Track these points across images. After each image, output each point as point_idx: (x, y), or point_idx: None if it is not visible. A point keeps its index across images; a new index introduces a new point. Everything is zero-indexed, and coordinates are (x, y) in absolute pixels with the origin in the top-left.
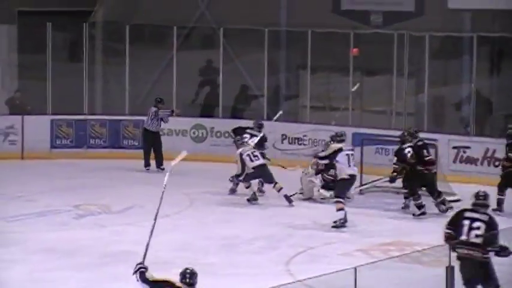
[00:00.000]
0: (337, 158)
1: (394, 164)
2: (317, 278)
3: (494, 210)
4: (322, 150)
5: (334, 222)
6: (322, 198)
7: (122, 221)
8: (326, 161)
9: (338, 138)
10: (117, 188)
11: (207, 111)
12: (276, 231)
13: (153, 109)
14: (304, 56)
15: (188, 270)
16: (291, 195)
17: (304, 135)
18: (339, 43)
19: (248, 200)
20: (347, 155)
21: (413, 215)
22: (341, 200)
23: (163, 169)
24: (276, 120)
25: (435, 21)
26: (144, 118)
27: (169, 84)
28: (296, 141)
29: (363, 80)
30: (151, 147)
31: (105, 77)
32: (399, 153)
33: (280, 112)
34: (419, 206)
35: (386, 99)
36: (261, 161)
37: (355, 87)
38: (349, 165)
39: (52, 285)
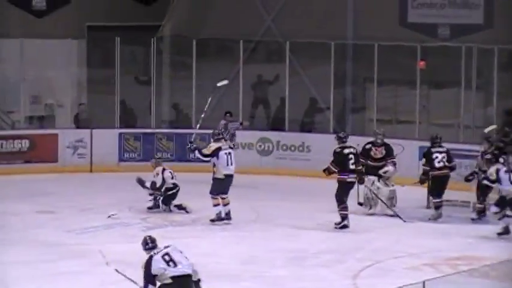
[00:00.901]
0: (218, 158)
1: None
2: None
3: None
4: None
5: (212, 219)
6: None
7: (189, 233)
8: (208, 159)
9: (216, 137)
10: (185, 201)
11: (277, 125)
12: (343, 244)
13: (223, 122)
14: (370, 68)
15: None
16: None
17: None
18: (405, 56)
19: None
20: (226, 153)
21: (335, 224)
22: (216, 196)
23: None
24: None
25: (504, 34)
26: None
27: (236, 97)
28: None
29: (430, 93)
30: None
31: (172, 90)
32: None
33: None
34: (344, 217)
35: (454, 112)
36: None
37: (222, 83)
38: (227, 165)
39: None
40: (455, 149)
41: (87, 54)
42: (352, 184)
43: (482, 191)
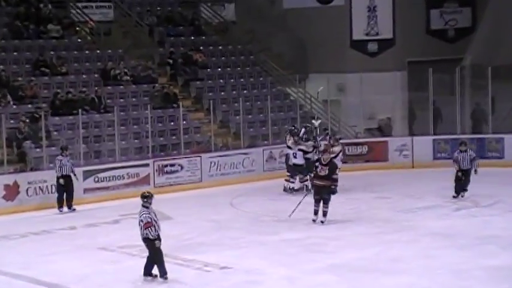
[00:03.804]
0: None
1: None
2: None
3: None
4: None
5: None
6: None
7: (489, 212)
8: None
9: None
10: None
11: None
12: None
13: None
14: None
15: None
16: None
17: None
18: None
19: None
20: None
21: None
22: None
23: None
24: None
25: None
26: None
27: None
28: None
29: None
30: None
31: (472, 106)
32: None
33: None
34: None
35: None
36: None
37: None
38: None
39: (437, 260)
40: None
41: (408, 82)
42: None
43: None
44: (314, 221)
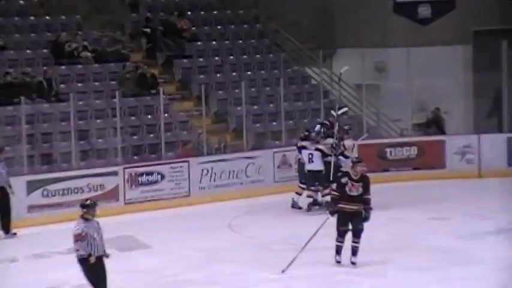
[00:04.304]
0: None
1: None
2: None
3: None
4: None
5: None
6: None
7: None
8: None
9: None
10: None
11: None
12: None
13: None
14: None
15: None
16: None
17: None
18: None
19: None
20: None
21: None
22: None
23: None
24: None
25: None
26: None
27: None
28: None
29: None
30: None
31: None
32: None
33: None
34: None
35: None
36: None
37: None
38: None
39: None
40: None
41: (473, 59)
42: None
43: None
44: (339, 262)
